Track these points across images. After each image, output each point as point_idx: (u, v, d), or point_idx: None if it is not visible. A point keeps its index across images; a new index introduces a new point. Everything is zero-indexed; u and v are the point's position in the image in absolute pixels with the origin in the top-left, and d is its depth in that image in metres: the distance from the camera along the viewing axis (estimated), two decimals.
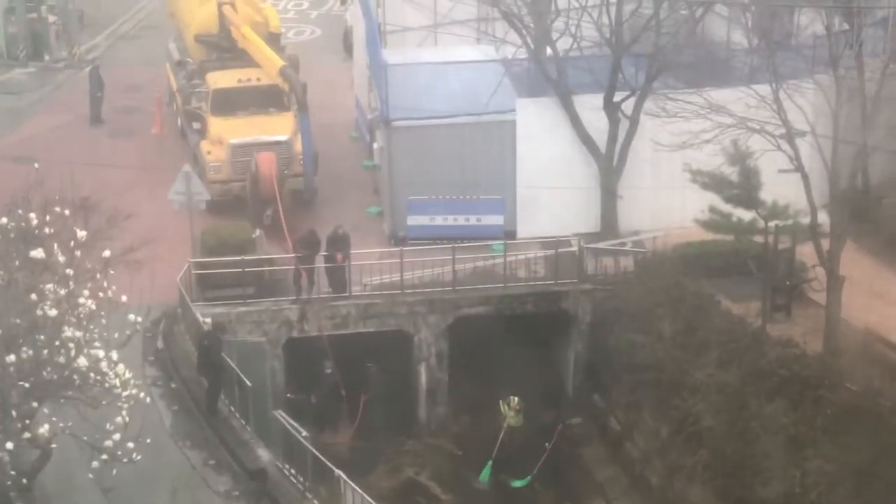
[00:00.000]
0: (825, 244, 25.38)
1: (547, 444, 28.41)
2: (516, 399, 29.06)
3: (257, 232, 30.66)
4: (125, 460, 18.98)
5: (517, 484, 28.69)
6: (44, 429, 18.86)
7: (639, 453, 27.45)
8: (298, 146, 34.26)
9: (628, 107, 31.98)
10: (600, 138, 32.34)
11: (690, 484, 25.26)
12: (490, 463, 27.94)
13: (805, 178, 25.16)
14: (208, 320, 26.34)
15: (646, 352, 26.70)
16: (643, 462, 27.14)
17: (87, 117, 41.39)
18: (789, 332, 26.08)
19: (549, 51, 32.47)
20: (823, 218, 26.27)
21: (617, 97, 31.95)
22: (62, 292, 18.73)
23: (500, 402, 29.17)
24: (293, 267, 28.91)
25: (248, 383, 24.92)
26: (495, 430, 29.04)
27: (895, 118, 28.79)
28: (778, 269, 27.44)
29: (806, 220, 25.65)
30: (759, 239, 26.52)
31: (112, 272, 19.70)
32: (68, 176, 25.28)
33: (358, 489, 21.81)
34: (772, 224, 26.06)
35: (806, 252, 27.00)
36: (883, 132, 26.98)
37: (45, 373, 18.59)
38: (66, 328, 18.62)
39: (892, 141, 28.60)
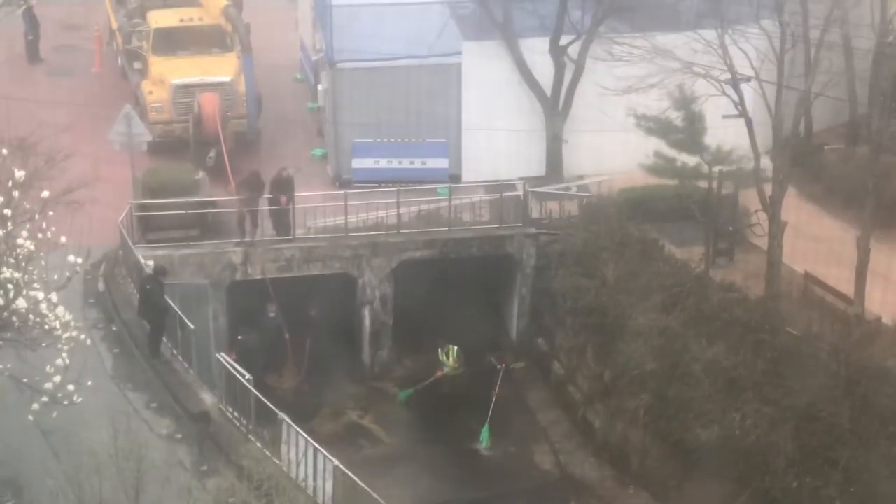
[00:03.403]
0: (768, 190, 25.58)
1: (493, 392, 28.45)
2: (456, 349, 29.10)
3: (200, 174, 30.30)
4: (65, 403, 18.79)
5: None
6: None
7: (582, 397, 27.65)
8: (242, 87, 33.88)
9: (574, 51, 31.93)
10: (546, 82, 32.29)
11: (632, 427, 25.51)
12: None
13: (749, 123, 25.30)
14: (150, 263, 26.08)
15: (590, 296, 26.81)
16: (586, 405, 27.35)
17: (25, 55, 40.61)
18: (731, 277, 26.37)
19: None
20: (766, 163, 26.46)
21: (563, 41, 31.87)
22: (0, 233, 18.43)
23: (439, 349, 29.21)
24: (237, 209, 28.67)
25: (191, 326, 24.74)
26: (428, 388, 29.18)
27: (838, 65, 29.01)
28: (721, 214, 27.67)
29: (749, 166, 25.84)
30: (702, 184, 26.68)
31: (51, 213, 19.38)
32: (5, 115, 24.88)
33: (301, 432, 21.78)
34: (715, 169, 26.22)
35: (749, 197, 27.25)
36: (826, 79, 27.11)
37: None
38: (4, 269, 18.32)
39: (835, 88, 28.76)
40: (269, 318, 28.29)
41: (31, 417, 18.97)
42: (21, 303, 18.35)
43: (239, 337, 26.74)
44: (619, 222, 28.09)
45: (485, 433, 27.82)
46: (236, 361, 24.82)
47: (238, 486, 18.99)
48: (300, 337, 28.75)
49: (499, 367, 29.17)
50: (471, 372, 29.36)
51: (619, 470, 25.83)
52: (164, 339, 25.56)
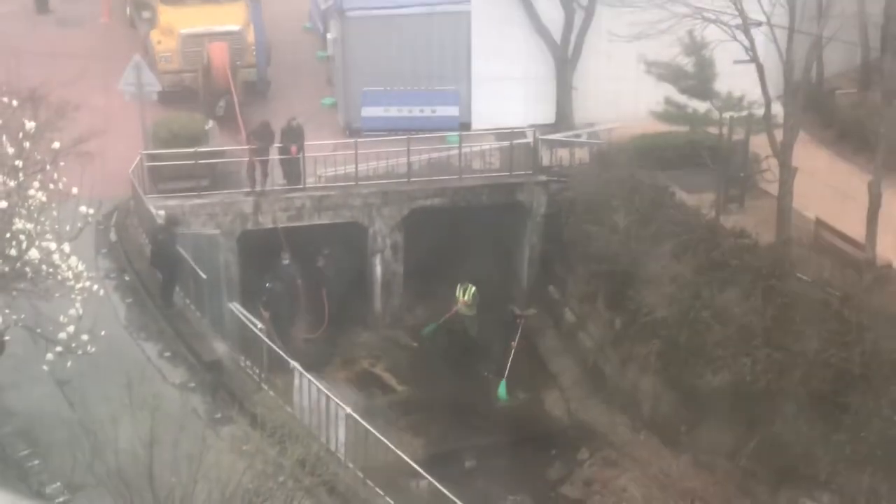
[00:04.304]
0: (779, 135, 25.48)
1: (512, 344, 28.52)
2: (473, 289, 29.17)
3: (210, 123, 30.31)
4: (79, 352, 18.94)
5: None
6: None
7: (593, 344, 27.73)
8: (251, 37, 33.81)
9: None
10: (556, 29, 32.14)
11: (643, 374, 25.60)
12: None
13: (760, 69, 25.15)
14: (162, 213, 26.15)
15: (600, 243, 26.82)
16: (597, 352, 27.44)
17: (33, 5, 40.50)
18: (742, 223, 26.31)
19: None
20: (777, 109, 26.33)
21: None
22: (11, 184, 18.47)
23: (458, 286, 29.25)
24: (247, 159, 28.68)
25: (203, 276, 24.84)
26: (445, 324, 29.36)
27: (850, 9, 28.79)
28: (732, 160, 27.59)
29: (760, 112, 25.73)
30: (713, 130, 26.59)
31: (62, 164, 19.43)
32: (15, 66, 24.83)
33: (314, 380, 21.91)
34: (726, 115, 26.11)
35: (759, 143, 27.13)
36: (838, 23, 26.92)
37: None
38: (16, 220, 18.42)
39: (846, 32, 28.55)
40: (283, 266, 28.31)
41: (45, 367, 19.12)
42: (34, 253, 18.45)
43: (267, 285, 26.73)
44: (630, 169, 28.03)
45: (502, 387, 27.92)
46: (269, 318, 25.12)
47: (252, 433, 19.11)
48: (316, 286, 28.80)
49: (518, 318, 29.20)
50: (486, 318, 29.42)
51: (630, 416, 25.93)
52: (177, 288, 25.68)
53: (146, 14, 35.69)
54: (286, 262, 28.03)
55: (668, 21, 25.99)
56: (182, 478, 15.52)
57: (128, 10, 38.49)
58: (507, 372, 28.01)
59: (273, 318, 26.17)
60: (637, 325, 25.63)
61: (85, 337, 18.85)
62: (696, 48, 25.28)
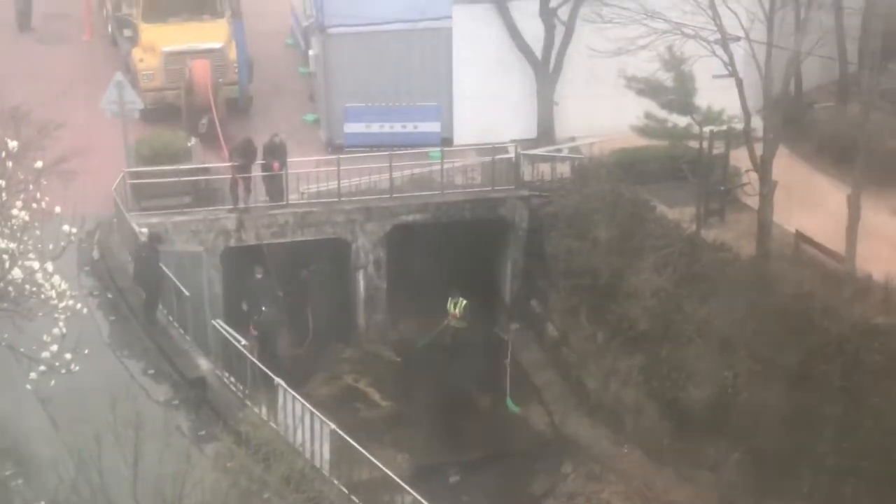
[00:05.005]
0: (758, 149, 25.65)
1: (506, 361, 28.56)
2: (465, 303, 29.26)
3: (192, 140, 30.34)
4: (63, 371, 18.89)
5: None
6: None
7: (575, 358, 27.82)
8: (233, 54, 33.85)
9: (564, 13, 31.89)
10: (536, 45, 32.28)
11: (625, 387, 25.70)
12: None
13: (739, 83, 25.34)
14: (144, 230, 26.15)
15: (582, 258, 26.93)
16: (579, 366, 27.53)
17: (15, 23, 40.45)
18: (723, 237, 26.47)
19: None
20: (757, 123, 26.50)
21: (553, 3, 31.83)
22: None
23: (449, 299, 29.33)
24: (230, 176, 28.72)
25: (187, 293, 24.86)
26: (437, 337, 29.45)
27: (828, 24, 29.00)
28: (712, 174, 27.73)
29: (740, 126, 25.90)
30: (693, 144, 26.74)
31: (45, 183, 19.43)
32: None
33: (298, 396, 21.93)
34: (706, 129, 26.26)
35: (739, 157, 27.29)
36: (816, 38, 27.12)
37: None
38: None
39: (824, 46, 28.75)
40: (255, 280, 28.29)
41: (29, 387, 19.08)
42: (17, 273, 18.40)
43: (263, 308, 26.78)
44: (611, 184, 28.14)
45: (509, 402, 28.02)
46: (256, 337, 25.13)
47: (236, 450, 19.14)
48: (299, 302, 28.81)
49: (506, 336, 29.30)
50: (471, 333, 29.50)
51: (613, 430, 26.02)
52: (160, 305, 25.68)
53: (128, 32, 35.69)
54: (259, 275, 27.97)
55: (648, 37, 26.16)
56: (167, 496, 15.54)
57: (110, 27, 38.46)
58: (508, 389, 28.09)
59: (261, 337, 26.27)
60: (619, 338, 25.75)
61: (68, 356, 18.78)
62: (675, 63, 25.43)
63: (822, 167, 29.77)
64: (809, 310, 23.01)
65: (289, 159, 28.79)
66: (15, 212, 18.71)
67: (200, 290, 26.99)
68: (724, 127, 26.21)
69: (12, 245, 18.44)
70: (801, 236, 26.02)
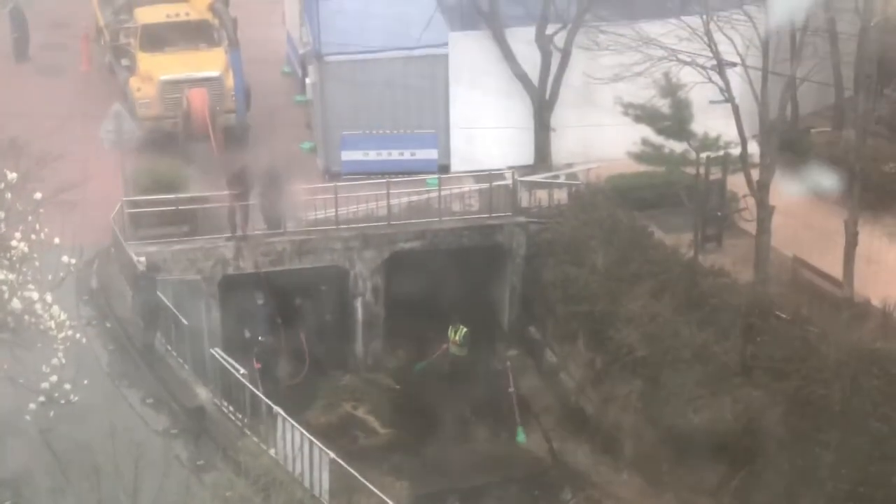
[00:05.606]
0: (755, 174, 25.73)
1: (510, 391, 28.49)
2: (465, 330, 29.24)
3: (189, 169, 30.37)
4: (62, 401, 18.89)
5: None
6: None
7: (574, 384, 27.82)
8: (230, 82, 33.94)
9: (560, 40, 32.02)
10: (533, 72, 32.39)
11: (624, 413, 25.67)
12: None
13: (735, 109, 25.43)
14: (142, 259, 26.20)
15: (580, 284, 26.96)
16: (578, 392, 27.52)
17: (12, 54, 40.58)
18: (720, 262, 26.49)
19: None
20: (754, 148, 26.59)
21: (549, 30, 31.97)
22: None
23: (450, 326, 29.32)
24: (227, 204, 28.76)
25: (185, 322, 24.87)
26: (435, 362, 29.42)
27: (823, 49, 29.15)
28: (709, 199, 27.81)
29: (736, 151, 26.00)
30: (690, 170, 26.80)
31: (44, 213, 19.46)
32: None
33: (297, 425, 21.92)
34: (703, 155, 26.34)
35: (736, 182, 27.37)
36: (811, 63, 27.25)
37: None
38: None
39: (820, 72, 28.90)
40: (258, 307, 28.39)
41: (28, 417, 19.07)
42: (16, 304, 18.41)
43: (260, 338, 26.80)
44: (608, 210, 28.23)
45: (520, 433, 27.98)
46: (259, 370, 25.16)
47: (235, 480, 19.11)
48: (294, 329, 28.83)
49: (503, 364, 29.27)
50: (473, 364, 29.48)
51: (613, 456, 25.99)
52: (158, 334, 25.68)
53: (125, 61, 35.83)
54: (260, 301, 28.05)
55: (644, 63, 26.30)
56: None
57: (107, 57, 38.60)
58: (518, 419, 28.05)
59: (264, 368, 26.35)
60: (618, 364, 25.72)
61: (67, 386, 18.79)
62: (671, 90, 25.53)
63: (818, 192, 29.79)
64: (807, 335, 23.02)
65: (286, 187, 28.78)
66: (14, 243, 18.71)
67: (199, 319, 26.99)
68: (721, 152, 26.30)
69: (11, 276, 18.44)
70: (798, 261, 26.07)
